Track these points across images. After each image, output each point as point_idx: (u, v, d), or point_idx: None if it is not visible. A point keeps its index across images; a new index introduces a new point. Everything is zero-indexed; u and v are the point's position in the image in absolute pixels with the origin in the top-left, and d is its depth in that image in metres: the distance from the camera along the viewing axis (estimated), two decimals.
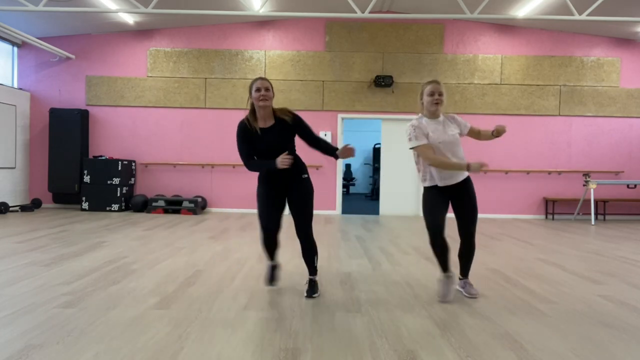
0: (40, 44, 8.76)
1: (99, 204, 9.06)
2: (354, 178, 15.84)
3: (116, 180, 9.04)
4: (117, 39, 9.61)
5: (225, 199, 9.60)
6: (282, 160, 3.15)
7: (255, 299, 3.36)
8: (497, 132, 3.45)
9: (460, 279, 3.63)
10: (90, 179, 9.08)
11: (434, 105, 3.33)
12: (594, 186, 8.73)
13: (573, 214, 9.44)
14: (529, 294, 3.60)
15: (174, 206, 9.05)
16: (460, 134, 3.51)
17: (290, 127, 3.38)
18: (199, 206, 9.06)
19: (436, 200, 3.42)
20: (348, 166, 15.88)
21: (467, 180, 3.48)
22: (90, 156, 9.53)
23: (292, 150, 3.42)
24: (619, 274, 4.42)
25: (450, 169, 3.33)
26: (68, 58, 9.54)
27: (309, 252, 3.48)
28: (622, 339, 2.67)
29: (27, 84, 9.63)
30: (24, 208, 8.88)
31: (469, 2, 7.57)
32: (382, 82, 9.27)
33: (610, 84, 9.59)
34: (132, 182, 9.55)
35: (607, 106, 9.61)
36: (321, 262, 4.68)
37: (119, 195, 9.08)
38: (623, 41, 9.62)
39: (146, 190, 9.62)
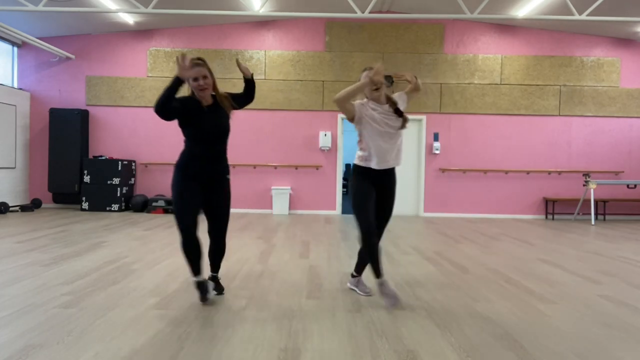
0: (40, 44, 8.76)
1: (99, 204, 9.06)
2: None
3: (116, 180, 9.04)
4: (117, 39, 9.61)
5: None
6: (184, 65, 2.90)
7: (255, 299, 3.36)
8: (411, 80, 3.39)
9: (353, 276, 3.61)
10: (90, 179, 9.08)
11: (375, 92, 3.27)
12: (594, 186, 8.73)
13: (573, 214, 9.44)
14: (529, 294, 3.60)
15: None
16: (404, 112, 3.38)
17: (229, 107, 3.29)
18: None
19: (369, 190, 3.30)
20: (348, 166, 15.85)
21: (394, 170, 3.43)
22: (90, 156, 9.53)
23: (226, 143, 3.32)
24: (619, 274, 4.42)
25: (352, 93, 3.19)
26: (68, 58, 9.54)
27: (221, 253, 3.41)
28: (622, 339, 2.67)
29: (27, 84, 9.62)
30: (24, 208, 8.88)
31: (469, 2, 7.57)
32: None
33: (610, 84, 9.59)
34: (132, 182, 9.55)
35: (607, 106, 9.61)
36: (321, 262, 4.68)
37: (119, 195, 9.08)
38: (623, 41, 9.62)
39: (146, 190, 9.61)
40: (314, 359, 2.33)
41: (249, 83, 3.50)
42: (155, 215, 8.75)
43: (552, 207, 9.54)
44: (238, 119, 9.71)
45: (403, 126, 3.35)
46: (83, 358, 2.29)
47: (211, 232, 3.35)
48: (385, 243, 5.98)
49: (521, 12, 8.35)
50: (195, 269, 3.20)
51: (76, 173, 9.28)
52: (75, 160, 9.28)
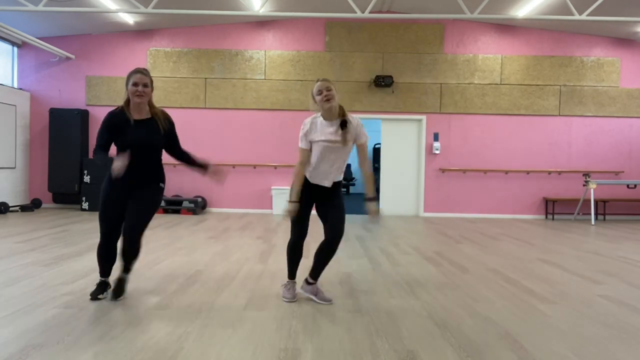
0: (40, 44, 8.76)
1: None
2: (354, 178, 15.83)
3: None
4: (117, 39, 9.61)
5: (225, 199, 9.59)
6: (117, 165, 2.94)
7: (255, 299, 3.36)
8: (371, 213, 3.30)
9: (309, 283, 3.38)
10: (90, 179, 9.07)
11: (326, 103, 3.11)
12: (594, 186, 8.73)
13: (573, 214, 9.43)
14: (529, 294, 3.60)
15: (174, 206, 9.05)
16: (354, 142, 3.24)
17: (163, 128, 3.24)
18: (199, 206, 9.06)
19: (305, 203, 3.25)
20: (348, 166, 15.86)
21: (338, 184, 3.33)
22: (90, 156, 9.52)
23: (159, 156, 3.31)
24: (619, 274, 4.41)
25: (293, 187, 3.20)
26: (68, 58, 9.54)
27: (131, 253, 3.25)
28: (622, 339, 2.67)
29: (27, 84, 9.62)
30: (24, 208, 8.88)
31: (469, 2, 7.56)
32: (382, 82, 9.27)
33: (610, 84, 9.59)
34: None
35: (607, 106, 9.61)
36: None
37: None
38: (623, 41, 9.62)
39: None
40: (314, 359, 2.33)
41: (197, 165, 3.43)
42: (155, 215, 8.73)
43: (552, 207, 9.53)
44: (238, 118, 9.76)
45: (343, 141, 3.16)
46: (83, 358, 2.29)
47: (124, 229, 3.21)
48: (385, 243, 5.98)
49: (521, 12, 8.34)
50: (103, 271, 3.35)
51: (76, 173, 9.28)
52: (75, 160, 9.28)
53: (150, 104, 3.26)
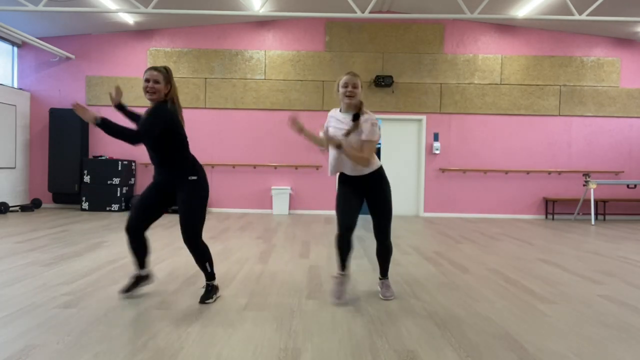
0: (40, 44, 8.76)
1: (99, 204, 9.06)
2: None
3: (116, 180, 9.04)
4: (117, 39, 9.61)
5: (225, 199, 9.59)
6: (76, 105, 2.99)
7: (255, 299, 3.36)
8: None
9: (379, 279, 3.56)
10: (90, 179, 9.08)
11: (346, 98, 3.20)
12: (594, 186, 8.73)
13: (573, 214, 9.43)
14: (529, 294, 3.60)
15: (174, 206, 9.04)
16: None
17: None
18: None
19: (345, 193, 3.34)
20: None
21: (378, 174, 3.31)
22: (90, 156, 9.53)
23: (164, 149, 3.19)
24: (619, 274, 4.42)
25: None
26: (68, 58, 9.54)
27: (196, 259, 3.26)
28: (622, 339, 2.67)
29: (27, 84, 9.62)
30: (24, 208, 8.88)
31: (469, 2, 7.57)
32: (382, 82, 9.27)
33: (610, 84, 9.59)
34: (132, 182, 9.54)
35: (607, 106, 9.61)
36: (321, 262, 4.68)
37: (119, 195, 9.08)
38: (623, 41, 9.62)
39: None
40: (314, 359, 2.33)
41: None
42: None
43: (552, 207, 9.53)
44: (238, 118, 9.76)
45: (347, 133, 3.17)
46: (83, 358, 2.29)
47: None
48: None
49: (521, 12, 8.35)
50: (136, 263, 3.34)
51: (76, 173, 9.28)
52: (75, 160, 9.28)
53: (175, 102, 3.25)
